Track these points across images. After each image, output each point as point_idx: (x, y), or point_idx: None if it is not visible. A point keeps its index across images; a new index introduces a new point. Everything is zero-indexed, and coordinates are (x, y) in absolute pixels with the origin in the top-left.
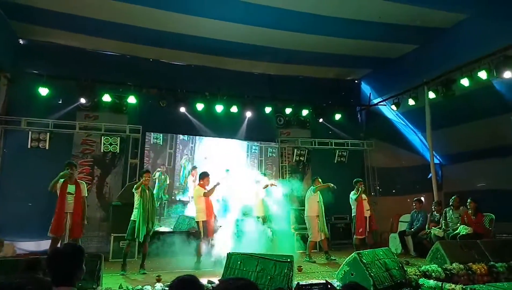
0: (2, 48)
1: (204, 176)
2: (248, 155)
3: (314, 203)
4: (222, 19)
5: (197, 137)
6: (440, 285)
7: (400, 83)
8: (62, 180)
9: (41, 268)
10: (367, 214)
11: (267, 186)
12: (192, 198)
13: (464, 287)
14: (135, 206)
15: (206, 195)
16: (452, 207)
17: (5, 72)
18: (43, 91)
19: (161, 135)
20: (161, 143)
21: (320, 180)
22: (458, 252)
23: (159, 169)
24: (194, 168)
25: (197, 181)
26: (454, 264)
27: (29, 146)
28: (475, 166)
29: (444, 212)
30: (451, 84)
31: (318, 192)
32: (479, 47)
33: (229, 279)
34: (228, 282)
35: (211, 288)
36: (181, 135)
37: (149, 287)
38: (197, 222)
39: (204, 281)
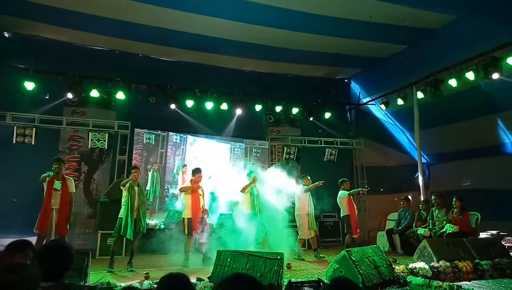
0: None
1: (195, 172)
2: (231, 156)
3: (304, 201)
4: (213, 15)
5: (188, 138)
6: (428, 282)
7: (389, 83)
8: (50, 173)
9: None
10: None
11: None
12: (180, 194)
13: (451, 284)
14: (122, 202)
15: (181, 190)
16: (437, 207)
17: None
18: (29, 85)
19: (153, 135)
20: (153, 143)
21: (309, 178)
22: (444, 250)
23: (151, 166)
24: (184, 165)
25: (189, 178)
26: (441, 262)
27: (14, 141)
28: (461, 165)
29: (431, 211)
30: (439, 85)
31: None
32: (467, 48)
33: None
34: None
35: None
36: (173, 136)
37: (137, 284)
38: (183, 218)
39: (193, 279)
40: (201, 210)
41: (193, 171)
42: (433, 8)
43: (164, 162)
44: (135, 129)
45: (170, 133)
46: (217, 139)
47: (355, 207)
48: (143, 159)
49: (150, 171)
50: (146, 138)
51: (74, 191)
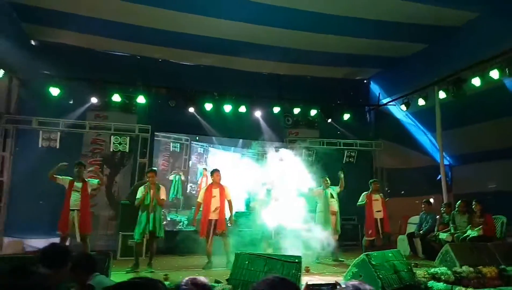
0: (14, 50)
1: (213, 172)
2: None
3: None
4: (230, 18)
5: (210, 148)
6: (450, 288)
7: (410, 83)
8: (69, 178)
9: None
10: (378, 215)
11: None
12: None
13: None
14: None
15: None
16: (459, 212)
17: (17, 73)
18: (54, 91)
19: (178, 144)
20: (178, 150)
21: (328, 179)
22: (468, 255)
23: (175, 171)
24: (204, 169)
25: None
26: (464, 267)
27: (40, 145)
28: (485, 167)
29: (452, 215)
30: (462, 84)
31: (330, 189)
32: (491, 46)
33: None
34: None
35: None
36: (197, 146)
37: None
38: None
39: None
40: (217, 211)
41: (211, 172)
42: (457, 6)
43: (187, 167)
44: (162, 138)
45: (193, 142)
46: (234, 149)
47: (377, 209)
48: (169, 165)
49: (173, 176)
50: (172, 146)
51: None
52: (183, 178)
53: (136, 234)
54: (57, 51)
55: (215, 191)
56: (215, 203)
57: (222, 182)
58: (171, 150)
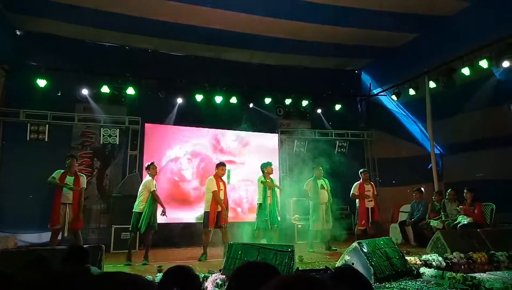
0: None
1: (218, 165)
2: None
3: (318, 192)
4: (220, 7)
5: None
6: (441, 273)
7: (401, 73)
8: (61, 171)
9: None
10: (369, 205)
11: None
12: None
13: (465, 275)
14: (142, 199)
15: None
16: (449, 200)
17: (3, 63)
18: (42, 82)
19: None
20: None
21: (321, 169)
22: (458, 241)
23: None
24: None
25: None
26: (454, 253)
27: (28, 138)
28: (475, 156)
29: (442, 203)
30: (452, 74)
31: (322, 179)
32: (480, 35)
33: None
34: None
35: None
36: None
37: (150, 276)
38: (204, 212)
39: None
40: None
41: (217, 165)
42: None
43: None
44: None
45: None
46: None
47: (369, 199)
48: None
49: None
50: None
51: (85, 187)
52: None
53: (132, 226)
54: (44, 42)
55: (221, 185)
56: (220, 196)
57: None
58: None
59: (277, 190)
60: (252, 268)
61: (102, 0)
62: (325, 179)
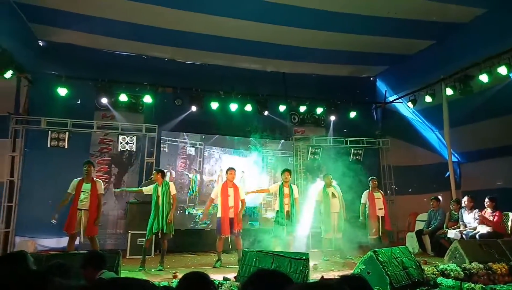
0: (23, 50)
1: (228, 170)
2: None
3: (330, 200)
4: (235, 17)
5: (222, 154)
6: (459, 284)
7: (417, 80)
8: (77, 179)
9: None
10: (380, 213)
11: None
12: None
13: (484, 286)
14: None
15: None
16: (466, 208)
17: (26, 73)
18: (62, 91)
19: (193, 148)
20: (193, 153)
21: (331, 177)
22: (477, 252)
23: (192, 172)
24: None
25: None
26: (473, 264)
27: (48, 145)
28: (494, 164)
29: (460, 213)
30: (469, 81)
31: (332, 188)
32: (498, 41)
33: None
34: None
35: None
36: (208, 150)
37: (166, 283)
38: (217, 218)
39: (220, 277)
40: (232, 209)
41: (226, 170)
42: (462, 1)
43: (202, 167)
44: (180, 143)
45: (206, 146)
46: (242, 151)
47: (379, 207)
48: (187, 166)
49: (192, 175)
50: (188, 150)
51: (103, 193)
52: (199, 178)
53: (148, 232)
54: (64, 51)
55: (230, 191)
56: (230, 202)
57: (235, 182)
58: (187, 153)
59: (295, 198)
60: (265, 277)
61: (119, 11)
62: (336, 187)
